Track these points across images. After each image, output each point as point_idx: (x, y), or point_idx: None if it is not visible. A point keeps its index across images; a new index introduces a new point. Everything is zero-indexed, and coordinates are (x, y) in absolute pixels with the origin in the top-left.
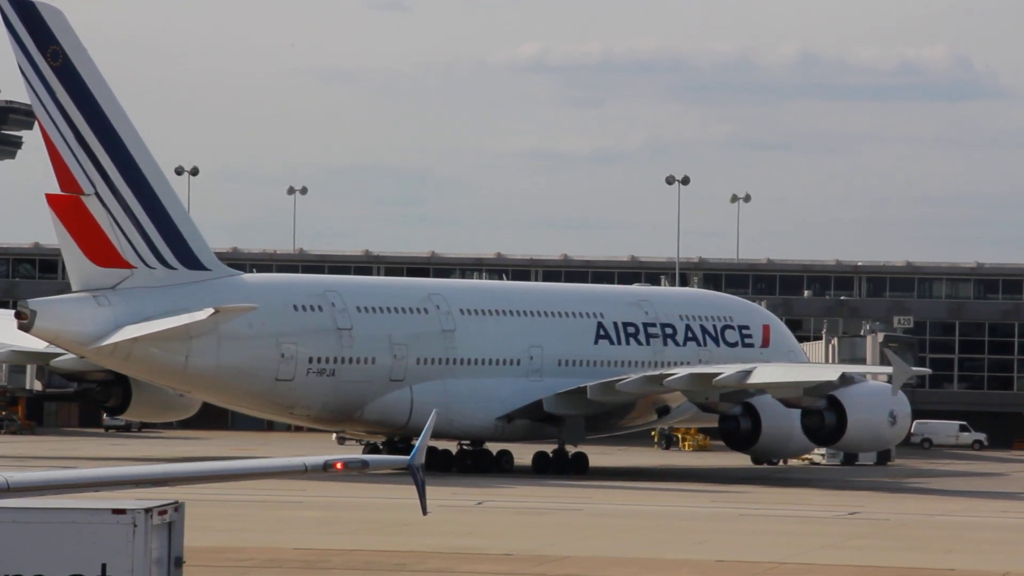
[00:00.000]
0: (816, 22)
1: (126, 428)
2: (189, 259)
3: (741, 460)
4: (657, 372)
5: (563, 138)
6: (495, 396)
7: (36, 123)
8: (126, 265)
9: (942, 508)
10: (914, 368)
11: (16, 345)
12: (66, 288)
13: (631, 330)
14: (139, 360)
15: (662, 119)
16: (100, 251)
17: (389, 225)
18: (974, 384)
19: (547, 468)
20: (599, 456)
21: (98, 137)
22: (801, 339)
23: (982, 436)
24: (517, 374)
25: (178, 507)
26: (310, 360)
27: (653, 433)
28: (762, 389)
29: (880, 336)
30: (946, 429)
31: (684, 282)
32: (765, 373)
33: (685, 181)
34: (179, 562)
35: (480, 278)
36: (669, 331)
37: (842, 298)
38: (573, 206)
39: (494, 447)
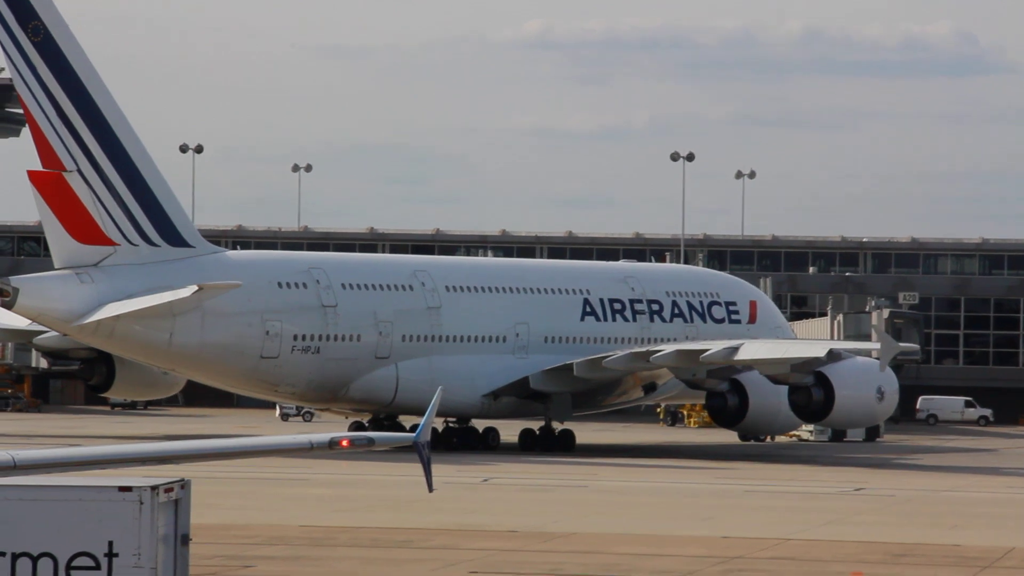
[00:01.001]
0: None
1: (131, 406)
2: (172, 236)
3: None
4: (644, 349)
5: (567, 115)
6: (481, 373)
7: (20, 100)
8: (109, 242)
9: (947, 484)
10: (901, 344)
11: None
12: None
13: (617, 306)
14: (122, 338)
15: (666, 96)
16: (82, 228)
17: (394, 203)
18: (979, 360)
19: (533, 445)
20: (602, 433)
21: (80, 113)
22: (806, 315)
23: (988, 412)
24: (503, 351)
25: (184, 485)
26: (295, 338)
27: (658, 410)
28: (749, 365)
29: (885, 312)
30: (952, 405)
31: (689, 259)
32: (752, 349)
33: (690, 158)
34: (185, 539)
35: (486, 256)
36: (656, 307)
37: (847, 274)
38: (578, 183)
39: (480, 424)
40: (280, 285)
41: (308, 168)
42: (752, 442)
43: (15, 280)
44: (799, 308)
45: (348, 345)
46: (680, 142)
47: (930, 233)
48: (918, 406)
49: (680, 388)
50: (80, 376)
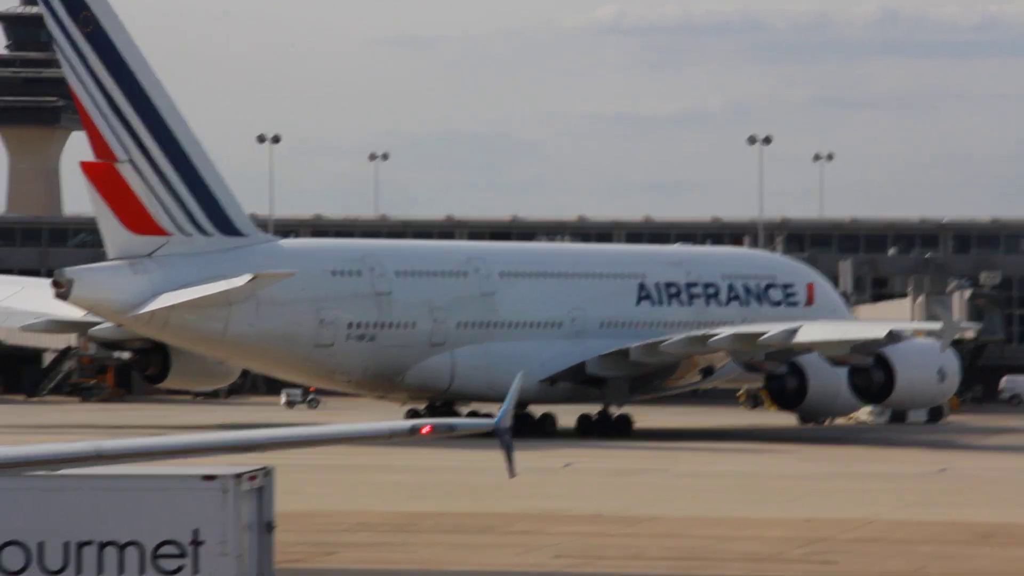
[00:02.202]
0: None
1: (214, 395)
2: (225, 225)
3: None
4: (701, 332)
5: (642, 101)
6: (537, 359)
7: (71, 92)
8: (162, 232)
9: None
10: (963, 324)
11: (54, 314)
12: None
13: (673, 290)
14: (177, 328)
15: (742, 80)
16: (135, 218)
17: (471, 190)
18: None
19: (591, 431)
20: (681, 416)
21: (131, 104)
22: (886, 297)
23: None
24: (559, 336)
25: (268, 472)
26: (349, 325)
27: (739, 394)
28: (808, 348)
29: (967, 293)
30: None
31: (769, 242)
32: (811, 332)
33: (767, 141)
34: (270, 527)
35: (563, 241)
36: (712, 291)
37: (928, 256)
38: (655, 168)
39: (537, 410)
40: (334, 273)
41: (385, 157)
42: (812, 425)
43: (70, 271)
44: (879, 290)
45: (403, 332)
46: (757, 125)
47: (1011, 213)
48: (1001, 386)
49: (738, 371)
50: (135, 366)
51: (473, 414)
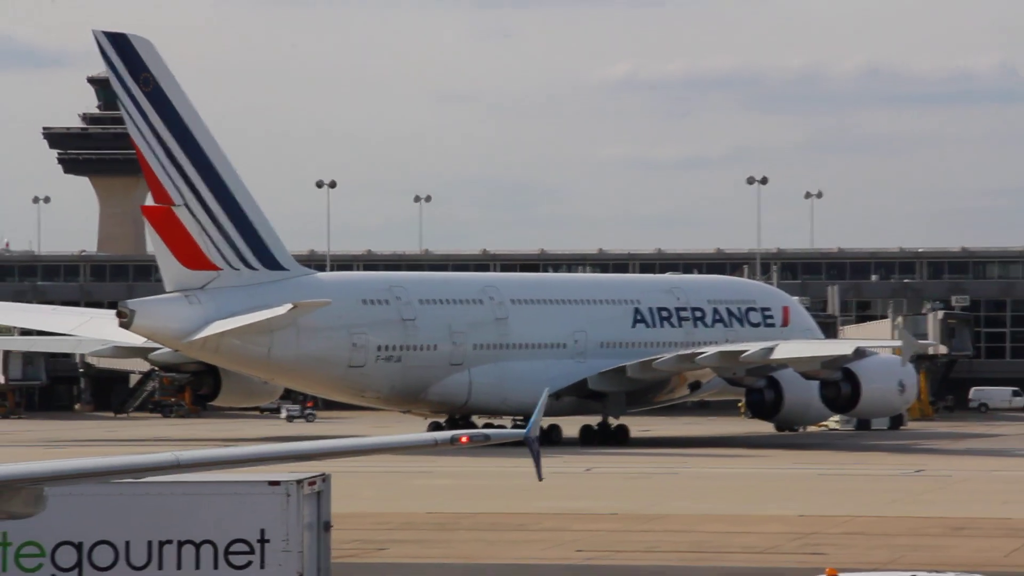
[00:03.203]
0: (876, 37)
1: (277, 411)
2: (269, 260)
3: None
4: (689, 351)
5: (655, 146)
6: (544, 376)
7: (132, 144)
8: (213, 267)
9: (1000, 465)
10: (921, 342)
11: (118, 341)
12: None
13: (665, 314)
14: (227, 352)
15: (743, 127)
16: (190, 255)
17: (503, 227)
18: None
19: (592, 439)
20: (686, 426)
21: (186, 153)
22: (869, 318)
23: None
24: (564, 356)
25: (325, 478)
26: (379, 348)
27: (740, 405)
28: (784, 363)
29: (940, 314)
30: (1000, 395)
31: (765, 270)
32: (786, 349)
33: (764, 181)
34: (327, 526)
35: (584, 271)
36: (699, 314)
37: (905, 281)
38: (665, 206)
39: (544, 422)
40: (365, 302)
41: (428, 199)
42: (787, 432)
43: (132, 303)
44: (863, 312)
45: (426, 354)
46: (755, 167)
47: (978, 242)
48: (970, 396)
49: (722, 385)
50: (191, 386)
51: (489, 425)
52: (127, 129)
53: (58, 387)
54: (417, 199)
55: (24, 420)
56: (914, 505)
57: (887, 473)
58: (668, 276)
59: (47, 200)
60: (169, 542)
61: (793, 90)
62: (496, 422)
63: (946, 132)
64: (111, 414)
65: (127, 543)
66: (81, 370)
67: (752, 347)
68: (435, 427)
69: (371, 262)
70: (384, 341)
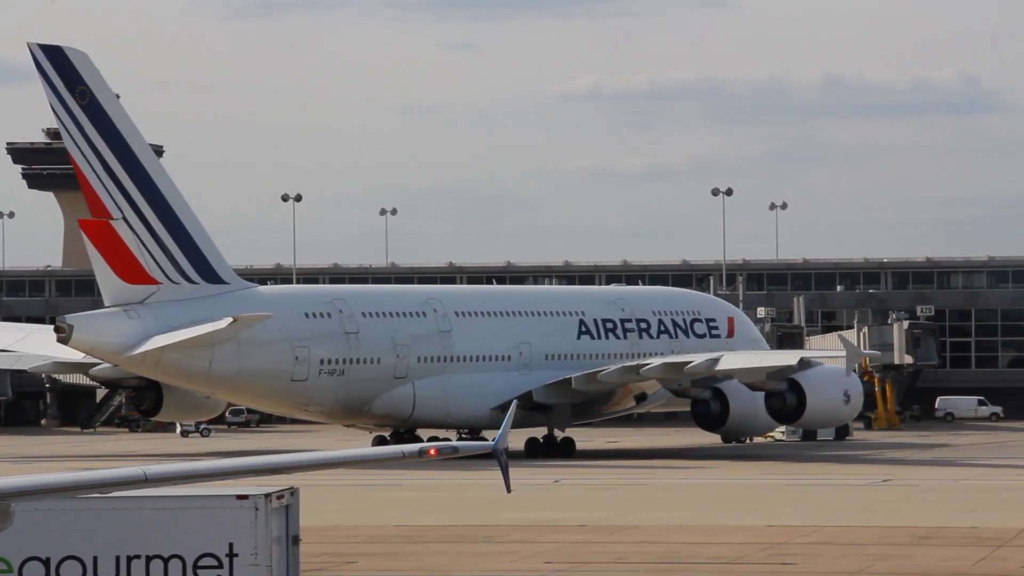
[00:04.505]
0: (838, 49)
1: (245, 424)
2: (209, 274)
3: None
4: (634, 363)
5: (620, 158)
6: (489, 389)
7: (69, 157)
8: (152, 281)
9: (964, 474)
10: (864, 351)
11: (57, 356)
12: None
13: (610, 326)
14: (167, 366)
15: (706, 138)
16: (129, 269)
17: (470, 239)
18: (989, 363)
19: (538, 452)
20: (655, 437)
21: (123, 166)
22: (835, 328)
23: (998, 409)
24: (508, 368)
25: (294, 492)
26: (321, 362)
27: None
28: (729, 375)
29: (905, 324)
30: (966, 404)
31: (731, 282)
32: (731, 360)
33: (728, 192)
34: (296, 540)
35: (551, 283)
36: (644, 326)
37: (870, 291)
38: (631, 217)
39: (489, 435)
40: (307, 315)
41: (394, 211)
42: (734, 443)
43: (70, 318)
44: (828, 322)
45: (369, 367)
46: (719, 179)
47: (943, 253)
48: (936, 405)
49: (668, 397)
50: (132, 402)
51: (434, 439)
52: (64, 143)
53: (24, 402)
54: (383, 212)
55: None
56: (882, 514)
57: (854, 483)
58: (613, 287)
59: (11, 215)
60: (137, 557)
61: (757, 101)
62: (441, 435)
63: (909, 143)
64: (78, 429)
65: (95, 558)
66: (47, 385)
67: (697, 358)
68: (380, 441)
69: (338, 275)
70: (327, 354)
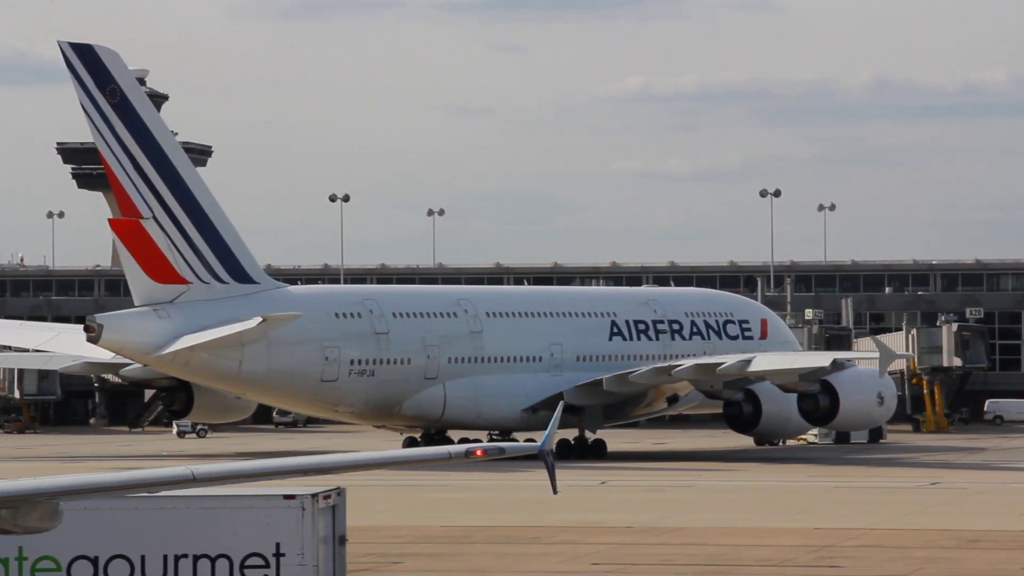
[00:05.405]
0: (887, 50)
1: (293, 424)
2: (239, 274)
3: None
4: (666, 364)
5: (667, 159)
6: (520, 390)
7: (99, 156)
8: (182, 281)
9: (1013, 477)
10: (899, 353)
11: (87, 356)
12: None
13: (642, 327)
14: (196, 366)
15: (754, 140)
16: (159, 269)
17: (517, 240)
18: None
19: (569, 454)
20: (698, 439)
21: (154, 166)
22: (883, 331)
23: None
24: (539, 369)
25: (340, 492)
26: (352, 362)
27: None
28: (761, 376)
29: (954, 326)
30: (1016, 407)
31: (779, 283)
32: (764, 361)
33: (777, 194)
34: (342, 540)
35: (598, 284)
36: (676, 327)
37: (919, 293)
38: (678, 219)
39: (521, 436)
40: (337, 315)
41: (441, 212)
42: (766, 446)
43: (99, 317)
44: (877, 324)
45: (400, 368)
46: (768, 180)
47: (992, 255)
48: (985, 408)
49: (700, 399)
50: (162, 403)
51: (464, 440)
52: (94, 142)
53: (73, 401)
54: (430, 213)
55: (39, 435)
56: (929, 517)
57: (902, 486)
58: (645, 288)
59: (61, 215)
60: (185, 556)
61: (805, 103)
62: (472, 437)
63: (959, 144)
64: (126, 428)
65: (142, 557)
66: (96, 384)
67: (729, 359)
68: (411, 442)
69: (385, 276)
70: (357, 355)
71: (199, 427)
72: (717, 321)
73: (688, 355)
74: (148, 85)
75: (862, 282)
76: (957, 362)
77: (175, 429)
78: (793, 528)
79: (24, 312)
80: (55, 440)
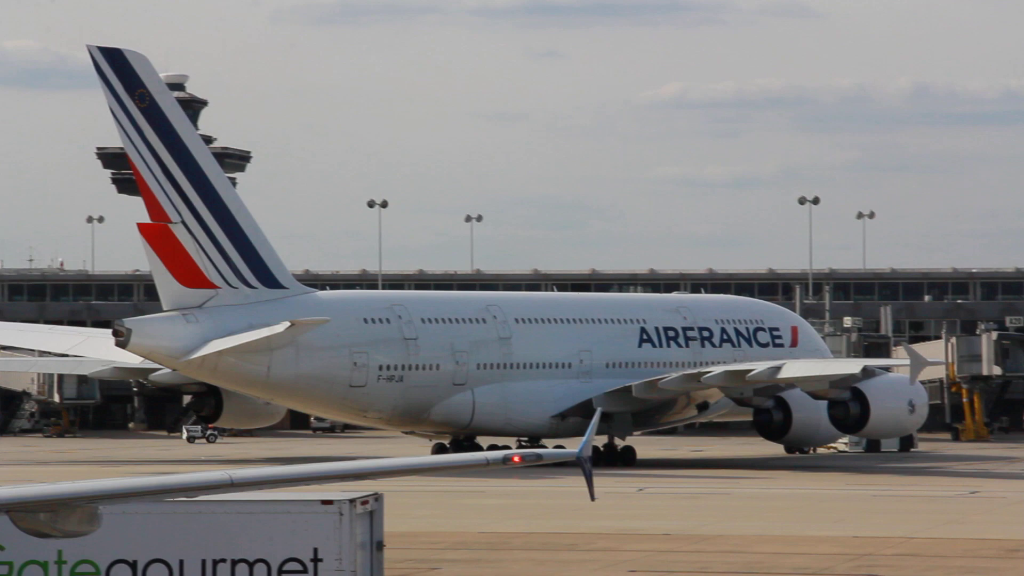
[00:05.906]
0: (926, 57)
1: (330, 429)
2: (268, 279)
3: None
4: (695, 371)
5: (705, 166)
6: (549, 396)
7: (128, 160)
8: (211, 286)
9: None
10: (930, 360)
11: (116, 361)
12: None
13: (671, 334)
14: (225, 371)
15: (793, 147)
16: (187, 273)
17: (555, 247)
18: None
19: (598, 461)
20: (732, 447)
21: (183, 170)
22: (922, 339)
23: None
24: (569, 376)
25: (378, 498)
26: (380, 368)
27: None
28: (792, 383)
29: (994, 334)
30: None
31: (817, 290)
32: (794, 368)
33: (815, 201)
34: (380, 546)
35: (635, 291)
36: (706, 334)
37: (959, 301)
38: (716, 226)
39: (550, 443)
40: (366, 320)
41: (479, 218)
42: (797, 454)
43: (128, 322)
44: (916, 332)
45: (428, 374)
46: (806, 187)
47: None
48: None
49: (730, 406)
50: (192, 408)
51: (493, 447)
52: (122, 144)
53: (112, 405)
54: (468, 219)
55: (78, 439)
56: (969, 527)
57: (941, 495)
58: (675, 295)
59: (101, 220)
60: (223, 560)
61: (844, 110)
62: (500, 443)
63: (998, 152)
64: (164, 432)
65: (181, 561)
66: (135, 389)
67: (759, 366)
68: (440, 448)
69: (423, 282)
70: (386, 360)
71: (209, 432)
72: (747, 328)
73: (718, 362)
74: (187, 90)
75: (901, 290)
76: (997, 371)
77: (185, 434)
78: (831, 536)
79: (64, 316)
80: (94, 444)
